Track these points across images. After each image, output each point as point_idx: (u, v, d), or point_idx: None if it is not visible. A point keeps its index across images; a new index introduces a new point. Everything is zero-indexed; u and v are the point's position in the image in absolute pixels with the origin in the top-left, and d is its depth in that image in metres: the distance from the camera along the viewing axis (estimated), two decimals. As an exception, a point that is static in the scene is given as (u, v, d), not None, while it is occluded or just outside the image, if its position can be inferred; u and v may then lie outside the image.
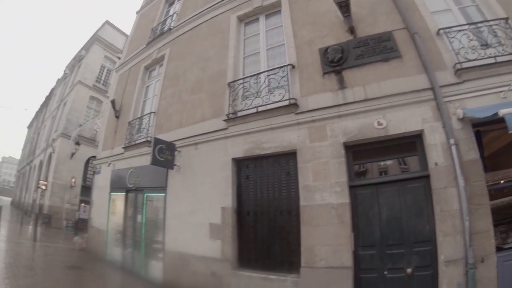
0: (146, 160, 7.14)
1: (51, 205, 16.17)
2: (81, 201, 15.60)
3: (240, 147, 5.61)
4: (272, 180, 5.21)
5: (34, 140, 28.66)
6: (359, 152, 4.65)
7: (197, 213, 5.93)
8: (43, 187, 17.04)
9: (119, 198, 8.78)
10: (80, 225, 13.28)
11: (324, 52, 5.18)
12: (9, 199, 34.98)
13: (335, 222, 4.29)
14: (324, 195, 4.46)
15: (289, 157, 5.05)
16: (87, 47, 19.79)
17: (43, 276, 6.74)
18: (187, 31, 8.35)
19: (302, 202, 4.63)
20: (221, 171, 5.74)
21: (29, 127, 37.90)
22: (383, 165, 4.69)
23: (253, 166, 5.51)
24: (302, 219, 4.56)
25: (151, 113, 8.19)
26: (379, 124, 4.41)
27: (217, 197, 5.64)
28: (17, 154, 52.92)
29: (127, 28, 18.44)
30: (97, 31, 19.40)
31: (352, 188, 4.45)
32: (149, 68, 9.63)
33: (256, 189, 5.36)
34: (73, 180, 16.50)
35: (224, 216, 5.42)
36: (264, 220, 5.12)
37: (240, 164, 5.67)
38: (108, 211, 9.03)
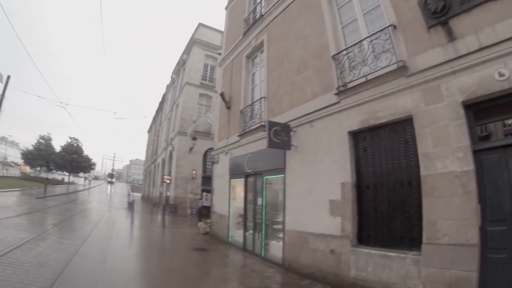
0: (262, 144, 7.33)
1: (176, 196, 18.75)
2: (203, 190, 17.37)
3: (355, 119, 5.36)
4: (390, 151, 4.92)
5: (155, 142, 34.13)
6: (480, 110, 3.96)
7: (316, 191, 5.91)
8: (168, 181, 19.94)
9: (239, 184, 9.27)
10: (203, 212, 14.80)
11: (424, 3, 4.45)
12: (139, 194, 42.51)
13: (459, 193, 3.76)
14: (445, 162, 3.96)
15: (406, 123, 4.65)
16: (187, 51, 21.98)
17: (171, 256, 7.73)
18: (279, 14, 8.21)
19: (422, 172, 4.21)
20: (338, 146, 5.61)
21: (149, 131, 45.58)
22: (511, 123, 3.97)
23: (370, 137, 5.25)
24: (423, 190, 4.15)
25: (261, 98, 8.29)
26: (501, 74, 3.59)
27: (335, 173, 5.52)
28: (142, 156, 64.61)
29: (220, 25, 19.44)
30: (193, 34, 21.26)
31: (476, 153, 3.81)
32: (250, 57, 9.82)
33: (374, 161, 5.12)
34: (194, 172, 18.68)
35: (344, 191, 5.30)
36: (384, 193, 4.88)
37: (357, 137, 5.46)
38: (229, 197, 9.69)
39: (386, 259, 4.42)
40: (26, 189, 22.47)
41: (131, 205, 16.33)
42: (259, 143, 7.88)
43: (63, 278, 4.42)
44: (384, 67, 4.81)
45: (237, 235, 9.17)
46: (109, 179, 76.35)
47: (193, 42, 20.80)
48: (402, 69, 4.56)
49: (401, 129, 4.74)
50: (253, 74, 9.58)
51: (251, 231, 8.35)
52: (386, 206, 4.79)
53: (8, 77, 16.99)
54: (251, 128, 8.40)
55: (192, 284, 5.08)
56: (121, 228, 10.95)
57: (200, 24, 21.42)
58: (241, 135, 8.85)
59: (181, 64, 22.99)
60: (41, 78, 51.45)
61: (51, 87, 48.26)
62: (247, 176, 8.71)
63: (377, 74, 4.94)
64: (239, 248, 8.61)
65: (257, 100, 8.55)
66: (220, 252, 8.30)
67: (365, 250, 4.81)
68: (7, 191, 18.54)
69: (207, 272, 6.33)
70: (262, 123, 7.63)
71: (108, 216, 14.67)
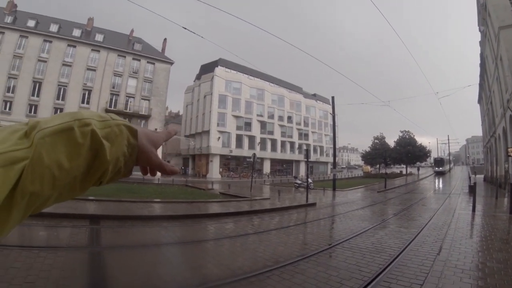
0: None
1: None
2: None
3: None
4: None
5: (489, 111, 27.34)
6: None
7: None
8: (513, 154, 14.73)
9: None
10: None
11: None
12: (481, 176, 34.89)
13: None
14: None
15: None
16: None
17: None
18: None
19: None
20: None
21: (479, 101, 37.66)
22: None
23: None
24: None
25: None
26: None
27: None
28: (477, 131, 53.33)
29: None
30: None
31: None
32: None
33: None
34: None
35: None
36: None
37: None
38: None
39: None
40: (369, 185, 26.78)
41: (472, 189, 14.00)
42: None
43: (395, 265, 4.71)
44: None
45: None
46: (437, 168, 51.12)
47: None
48: None
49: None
50: None
51: None
52: None
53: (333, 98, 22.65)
54: None
55: None
56: (461, 215, 9.67)
57: None
58: None
59: (483, 9, 17.58)
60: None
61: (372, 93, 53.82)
62: None
63: None
64: None
65: None
66: None
67: None
68: (353, 189, 23.13)
69: None
70: None
71: (447, 203, 13.72)
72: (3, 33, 37.02)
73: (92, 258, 4.56)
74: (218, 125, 41.05)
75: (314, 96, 54.56)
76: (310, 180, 18.96)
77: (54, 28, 37.72)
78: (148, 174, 0.55)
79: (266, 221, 9.14)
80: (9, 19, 38.27)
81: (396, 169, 58.24)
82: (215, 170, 40.78)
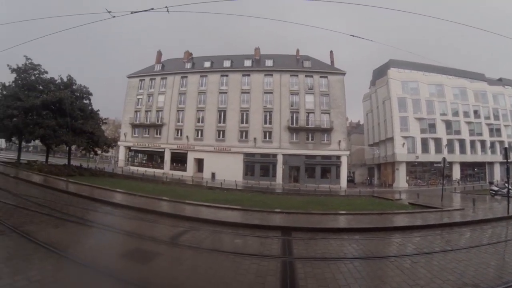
0: None
1: None
2: None
3: None
4: None
5: None
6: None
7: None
8: None
9: None
10: None
11: None
12: None
13: None
14: None
15: None
16: None
17: None
18: None
19: None
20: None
21: None
22: None
23: None
24: None
25: None
26: None
27: None
28: None
29: None
30: None
31: None
32: None
33: None
34: None
35: None
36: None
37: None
38: None
39: None
40: None
41: None
42: None
43: None
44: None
45: None
46: None
47: None
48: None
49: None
50: None
51: None
52: None
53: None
54: None
55: None
56: None
57: None
58: None
59: None
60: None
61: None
62: None
63: None
64: None
65: None
66: None
67: None
68: None
69: None
70: None
71: None
72: (186, 77, 41.25)
73: (284, 268, 4.41)
74: (401, 130, 36.47)
75: (500, 81, 45.33)
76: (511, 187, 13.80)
77: (227, 63, 40.64)
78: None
79: (466, 236, 7.84)
80: (188, 65, 42.96)
81: None
82: (401, 179, 35.88)
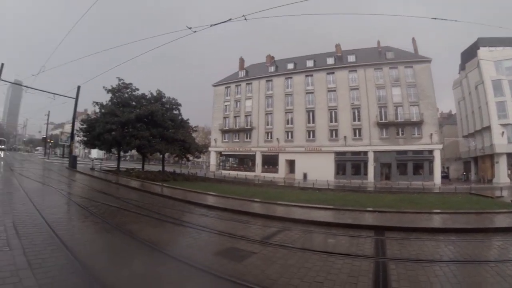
0: None
1: None
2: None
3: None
4: None
5: None
6: None
7: None
8: None
9: None
10: None
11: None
12: None
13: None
14: None
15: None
16: None
17: None
18: None
19: None
20: None
21: None
22: None
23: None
24: None
25: None
26: None
27: None
28: None
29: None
30: None
31: None
32: None
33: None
34: None
35: None
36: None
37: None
38: None
39: None
40: None
41: None
42: None
43: None
44: None
45: None
46: None
47: None
48: None
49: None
50: None
51: None
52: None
53: None
54: None
55: None
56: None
57: None
58: None
59: None
60: None
61: None
62: None
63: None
64: None
65: None
66: None
67: None
68: None
69: None
70: None
71: None
72: (271, 80, 44.27)
73: (377, 268, 4.36)
74: (498, 117, 34.32)
75: None
76: None
77: (310, 63, 42.58)
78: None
79: None
80: (272, 69, 45.75)
81: None
82: (502, 173, 33.57)
